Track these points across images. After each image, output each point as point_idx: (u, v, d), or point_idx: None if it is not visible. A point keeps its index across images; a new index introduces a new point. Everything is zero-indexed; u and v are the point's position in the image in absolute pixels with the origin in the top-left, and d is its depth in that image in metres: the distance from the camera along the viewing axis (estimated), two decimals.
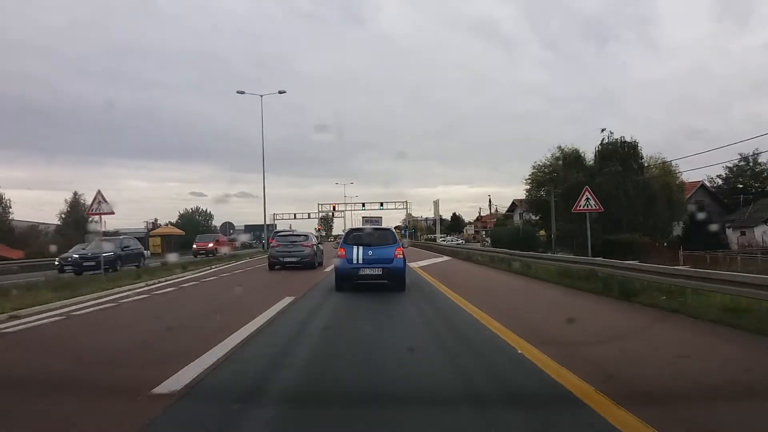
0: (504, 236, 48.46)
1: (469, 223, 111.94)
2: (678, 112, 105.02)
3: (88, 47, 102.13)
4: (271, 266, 20.91)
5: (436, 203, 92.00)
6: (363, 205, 73.96)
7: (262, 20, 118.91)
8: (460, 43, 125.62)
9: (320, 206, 78.63)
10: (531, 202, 49.78)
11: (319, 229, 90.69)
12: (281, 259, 20.64)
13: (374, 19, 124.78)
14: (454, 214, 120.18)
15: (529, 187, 48.21)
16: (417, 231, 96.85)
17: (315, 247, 21.97)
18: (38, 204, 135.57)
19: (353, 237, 12.91)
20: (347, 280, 12.40)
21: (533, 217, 53.50)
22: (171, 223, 66.36)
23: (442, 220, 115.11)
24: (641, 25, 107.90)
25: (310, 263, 20.52)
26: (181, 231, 58.72)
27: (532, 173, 47.58)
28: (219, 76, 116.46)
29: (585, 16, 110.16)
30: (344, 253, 12.37)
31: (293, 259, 20.53)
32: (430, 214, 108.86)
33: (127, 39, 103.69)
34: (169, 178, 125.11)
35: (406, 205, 77.65)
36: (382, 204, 74.56)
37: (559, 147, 46.03)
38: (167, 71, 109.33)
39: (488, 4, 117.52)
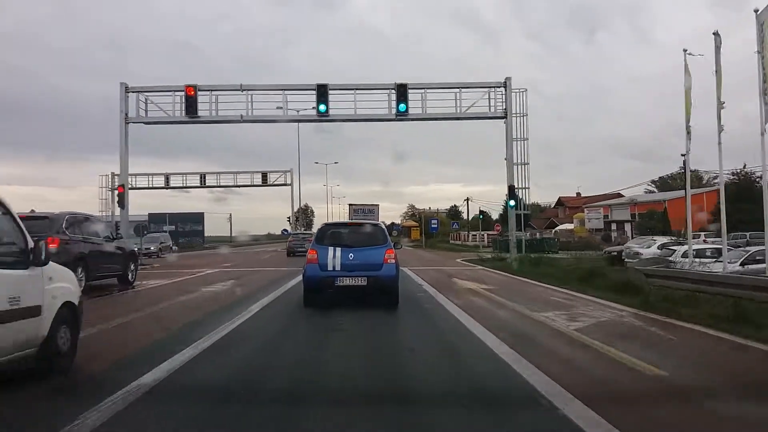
0: None
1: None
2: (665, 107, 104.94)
3: (84, 43, 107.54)
4: (288, 254, 32.41)
5: None
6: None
7: (247, 15, 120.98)
8: (449, 37, 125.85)
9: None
10: None
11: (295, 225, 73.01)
12: (297, 249, 31.57)
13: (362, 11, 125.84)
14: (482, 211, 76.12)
15: None
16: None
17: None
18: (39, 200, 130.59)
19: (330, 235, 10.36)
20: (319, 293, 9.88)
21: None
22: None
23: (458, 215, 68.58)
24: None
25: None
26: None
27: None
28: (205, 72, 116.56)
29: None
30: (315, 256, 9.70)
31: (304, 249, 30.55)
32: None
33: (109, 33, 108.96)
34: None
35: None
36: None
37: None
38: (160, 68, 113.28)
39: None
